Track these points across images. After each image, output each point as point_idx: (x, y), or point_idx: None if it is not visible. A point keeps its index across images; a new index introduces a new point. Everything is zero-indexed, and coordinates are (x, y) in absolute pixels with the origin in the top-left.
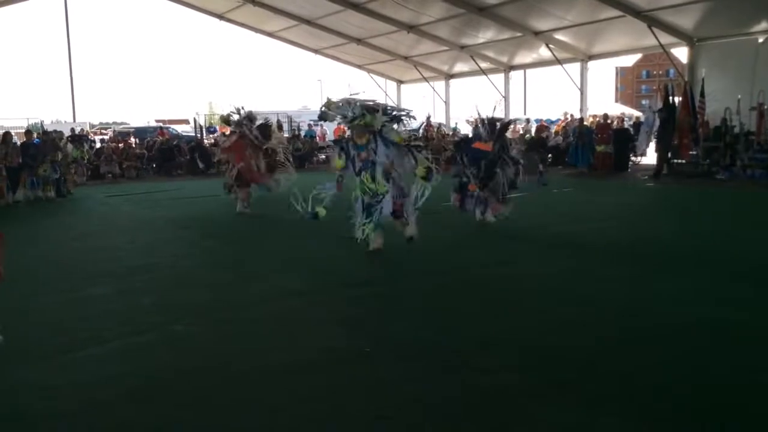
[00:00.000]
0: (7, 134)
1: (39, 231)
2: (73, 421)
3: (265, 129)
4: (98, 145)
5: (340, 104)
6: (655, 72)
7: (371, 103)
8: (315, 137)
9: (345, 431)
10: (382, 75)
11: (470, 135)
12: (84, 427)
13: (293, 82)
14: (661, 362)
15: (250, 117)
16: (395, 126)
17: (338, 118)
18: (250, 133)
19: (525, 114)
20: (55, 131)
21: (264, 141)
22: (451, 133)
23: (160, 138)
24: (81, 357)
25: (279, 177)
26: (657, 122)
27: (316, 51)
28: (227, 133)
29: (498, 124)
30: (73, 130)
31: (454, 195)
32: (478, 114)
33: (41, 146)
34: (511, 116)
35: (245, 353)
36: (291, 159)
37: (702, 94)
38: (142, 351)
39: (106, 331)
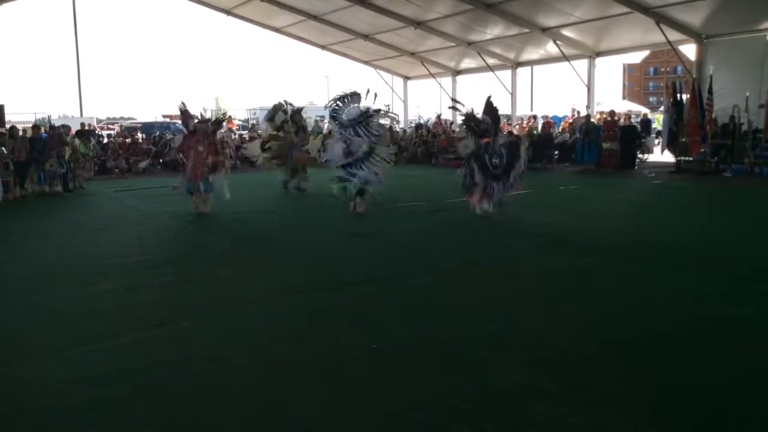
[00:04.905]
0: (13, 128)
1: (46, 226)
2: (81, 417)
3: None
4: (105, 140)
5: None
6: (662, 69)
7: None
8: (321, 133)
9: (354, 430)
10: (388, 71)
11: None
12: (92, 423)
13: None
14: (673, 363)
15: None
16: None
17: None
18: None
19: (531, 110)
20: (62, 126)
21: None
22: (457, 129)
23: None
24: (89, 352)
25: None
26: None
27: (322, 47)
28: (233, 128)
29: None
30: (82, 124)
31: (470, 194)
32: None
33: (48, 141)
34: (518, 113)
35: (252, 350)
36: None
37: (710, 92)
38: (149, 346)
39: (114, 326)
